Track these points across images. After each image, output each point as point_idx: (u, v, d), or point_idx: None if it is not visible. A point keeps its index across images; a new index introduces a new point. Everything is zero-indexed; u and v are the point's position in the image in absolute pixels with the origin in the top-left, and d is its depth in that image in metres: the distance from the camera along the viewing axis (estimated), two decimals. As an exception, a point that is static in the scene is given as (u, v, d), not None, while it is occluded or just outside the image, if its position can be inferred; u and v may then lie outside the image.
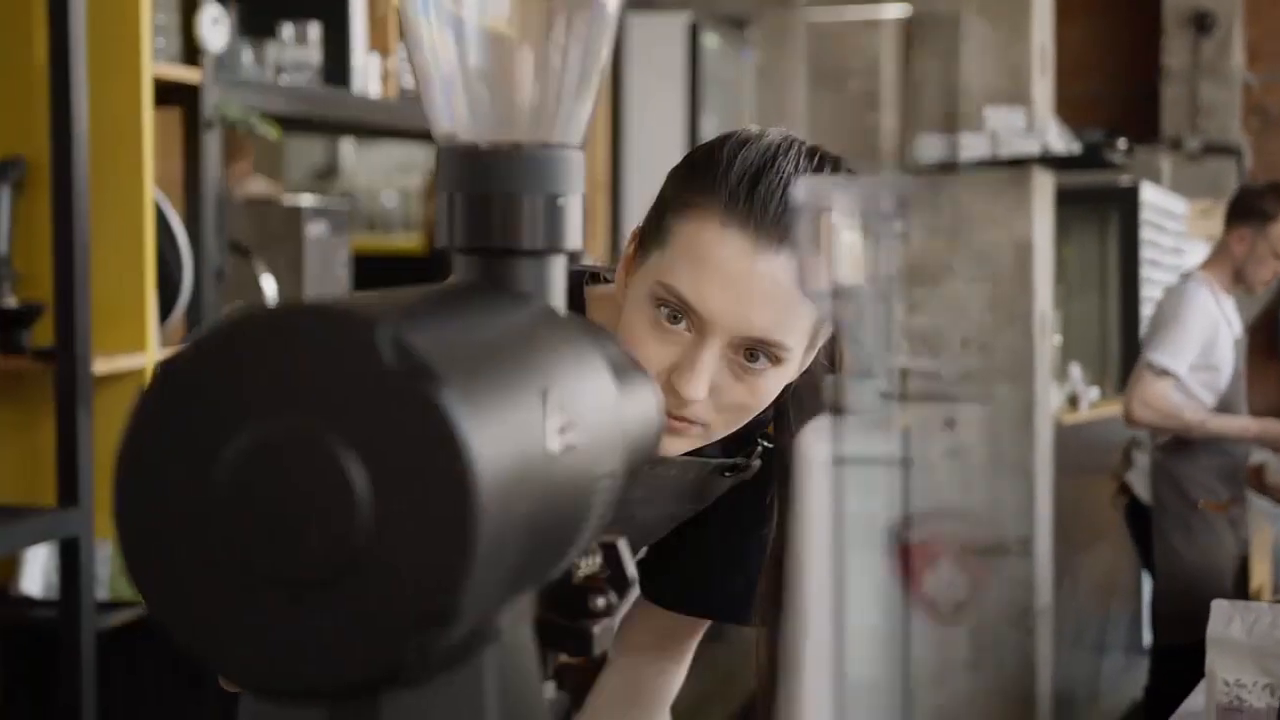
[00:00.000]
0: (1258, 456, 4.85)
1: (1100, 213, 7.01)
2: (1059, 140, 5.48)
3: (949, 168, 5.04)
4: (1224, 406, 4.44)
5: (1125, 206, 7.11)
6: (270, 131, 2.76)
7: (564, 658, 0.92)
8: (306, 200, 3.22)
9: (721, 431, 1.33)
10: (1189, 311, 4.35)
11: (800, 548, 0.72)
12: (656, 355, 1.29)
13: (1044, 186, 5.52)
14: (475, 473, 0.63)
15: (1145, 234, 7.14)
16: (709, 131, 5.72)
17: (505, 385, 0.69)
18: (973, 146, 5.17)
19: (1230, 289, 4.50)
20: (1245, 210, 4.44)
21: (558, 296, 0.85)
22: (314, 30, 3.10)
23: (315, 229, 3.11)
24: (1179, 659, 4.27)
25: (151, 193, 2.56)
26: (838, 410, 0.81)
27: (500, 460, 0.66)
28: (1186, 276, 4.65)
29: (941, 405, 0.72)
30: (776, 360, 1.29)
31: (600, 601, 0.89)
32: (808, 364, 1.37)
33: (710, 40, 5.40)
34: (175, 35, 2.70)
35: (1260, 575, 4.91)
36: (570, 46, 0.86)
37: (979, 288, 4.12)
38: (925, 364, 0.75)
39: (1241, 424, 4.54)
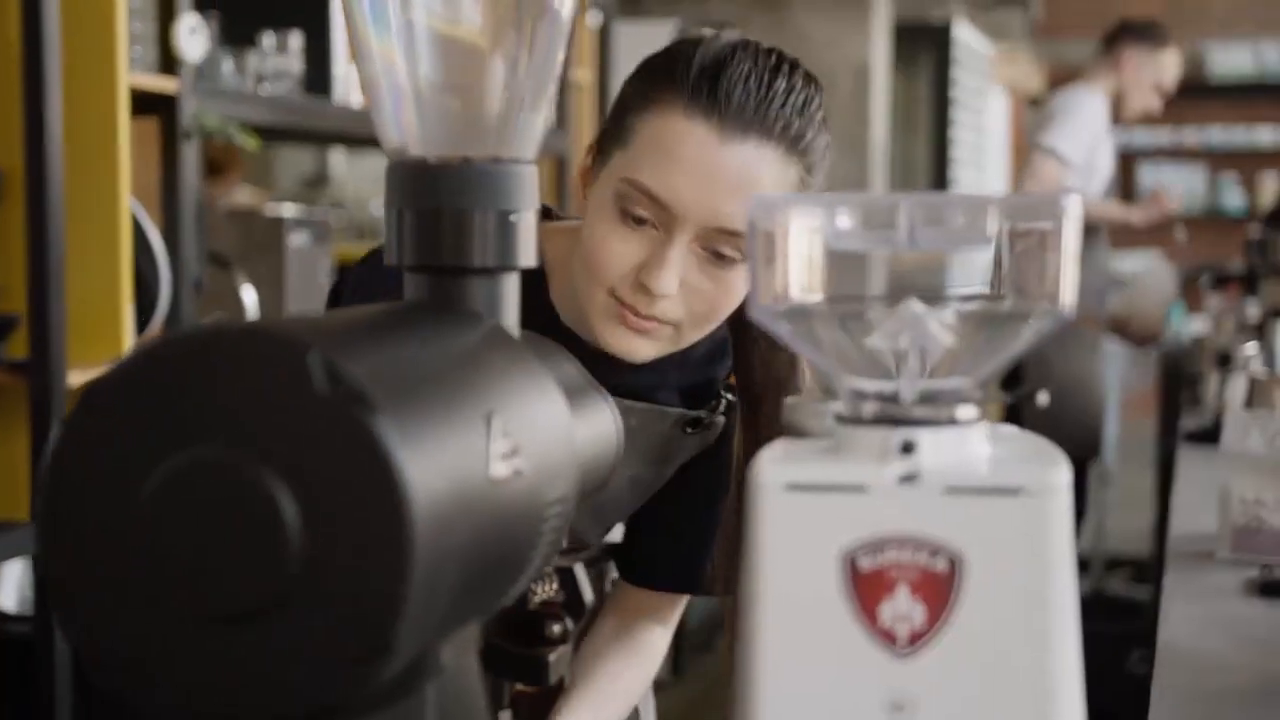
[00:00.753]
0: (1118, 302, 4.95)
1: (910, 48, 6.99)
2: None
3: None
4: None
5: (938, 44, 7.10)
6: (249, 142, 2.74)
7: (520, 686, 0.89)
8: (289, 210, 3.19)
9: (692, 335, 1.31)
10: (1081, 107, 4.49)
11: (753, 579, 0.70)
12: (623, 255, 1.27)
13: (883, 8, 5.54)
14: (410, 501, 0.61)
15: (955, 74, 7.16)
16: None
17: (446, 410, 0.67)
18: None
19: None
20: (1139, 35, 4.55)
21: (510, 315, 0.83)
22: (295, 39, 3.08)
23: (297, 239, 3.09)
24: None
25: (128, 203, 2.53)
26: (795, 432, 0.79)
27: (438, 488, 0.63)
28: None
29: (899, 429, 0.71)
30: (745, 255, 1.26)
31: (556, 628, 0.87)
32: None
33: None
34: (153, 44, 2.68)
35: None
36: (522, 57, 0.84)
37: None
38: (883, 385, 0.72)
39: (1126, 210, 4.83)
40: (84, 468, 0.63)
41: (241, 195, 4.37)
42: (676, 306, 1.28)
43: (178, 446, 0.62)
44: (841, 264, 0.74)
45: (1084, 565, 5.60)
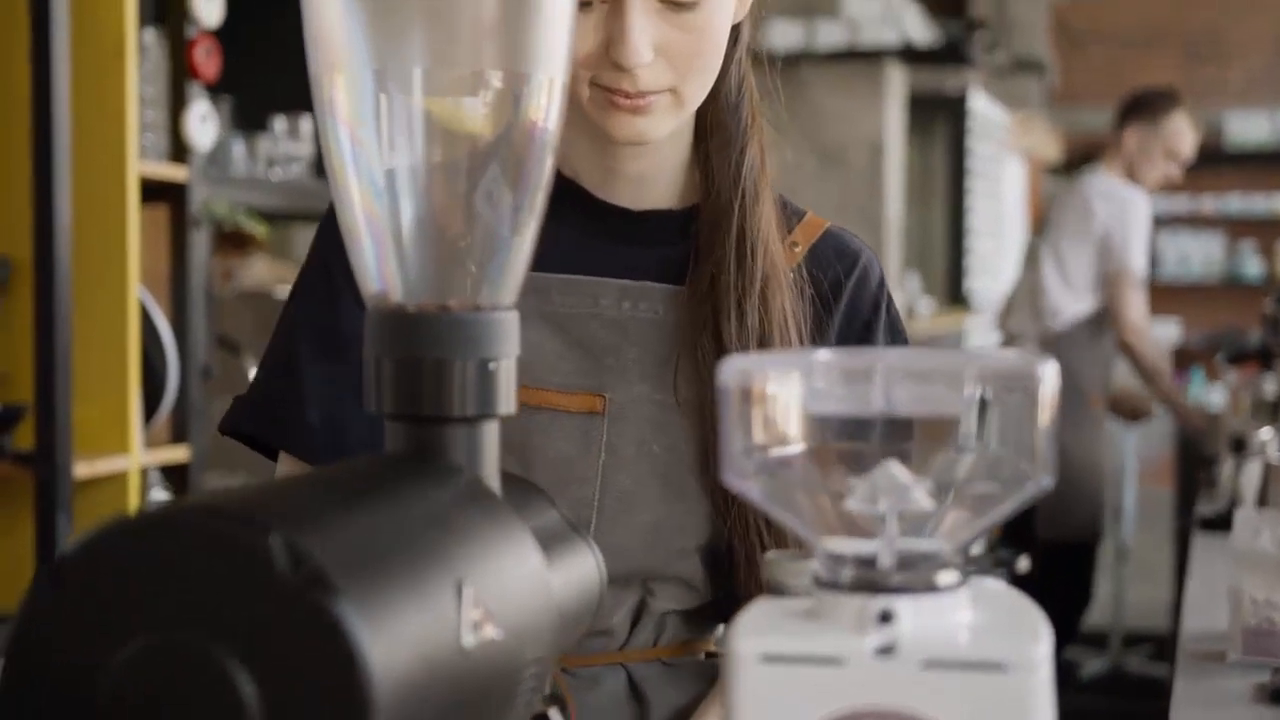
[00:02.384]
0: (1124, 379, 4.91)
1: (926, 118, 7.00)
2: (919, 29, 5.47)
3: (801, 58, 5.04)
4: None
5: (953, 114, 7.12)
6: (257, 229, 2.74)
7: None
8: (299, 293, 3.19)
9: (695, 94, 1.22)
10: (1140, 208, 4.48)
11: (725, 754, 0.69)
12: (582, 42, 1.18)
13: (898, 81, 5.54)
14: (372, 688, 0.60)
15: (970, 143, 7.17)
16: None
17: (414, 582, 0.66)
18: (829, 33, 5.20)
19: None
20: (1139, 108, 4.53)
21: (489, 464, 0.82)
22: (306, 123, 3.10)
23: (307, 322, 3.08)
24: (1058, 555, 4.33)
25: (136, 292, 2.54)
26: (774, 589, 0.78)
27: (403, 667, 0.62)
28: (1083, 176, 4.78)
29: (877, 597, 0.67)
30: None
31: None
32: None
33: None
34: (164, 132, 2.69)
35: None
36: (502, 205, 0.83)
37: (828, 188, 4.16)
38: (861, 547, 0.69)
39: (1176, 391, 4.81)
40: (47, 646, 0.63)
41: (260, 268, 4.39)
42: (661, 71, 1.19)
43: (140, 627, 0.61)
44: (817, 424, 0.73)
45: (1102, 641, 5.55)
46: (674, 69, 1.19)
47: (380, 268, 0.83)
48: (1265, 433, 3.20)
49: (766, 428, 0.72)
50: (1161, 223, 10.33)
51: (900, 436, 0.73)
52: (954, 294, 7.21)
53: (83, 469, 2.45)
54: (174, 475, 2.77)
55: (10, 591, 2.45)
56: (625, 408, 1.24)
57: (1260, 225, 10.23)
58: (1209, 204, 10.27)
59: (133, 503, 2.56)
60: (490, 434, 0.82)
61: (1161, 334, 10.27)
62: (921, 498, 0.71)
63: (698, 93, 1.22)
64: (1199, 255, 10.37)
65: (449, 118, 0.81)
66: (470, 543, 0.72)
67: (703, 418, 1.23)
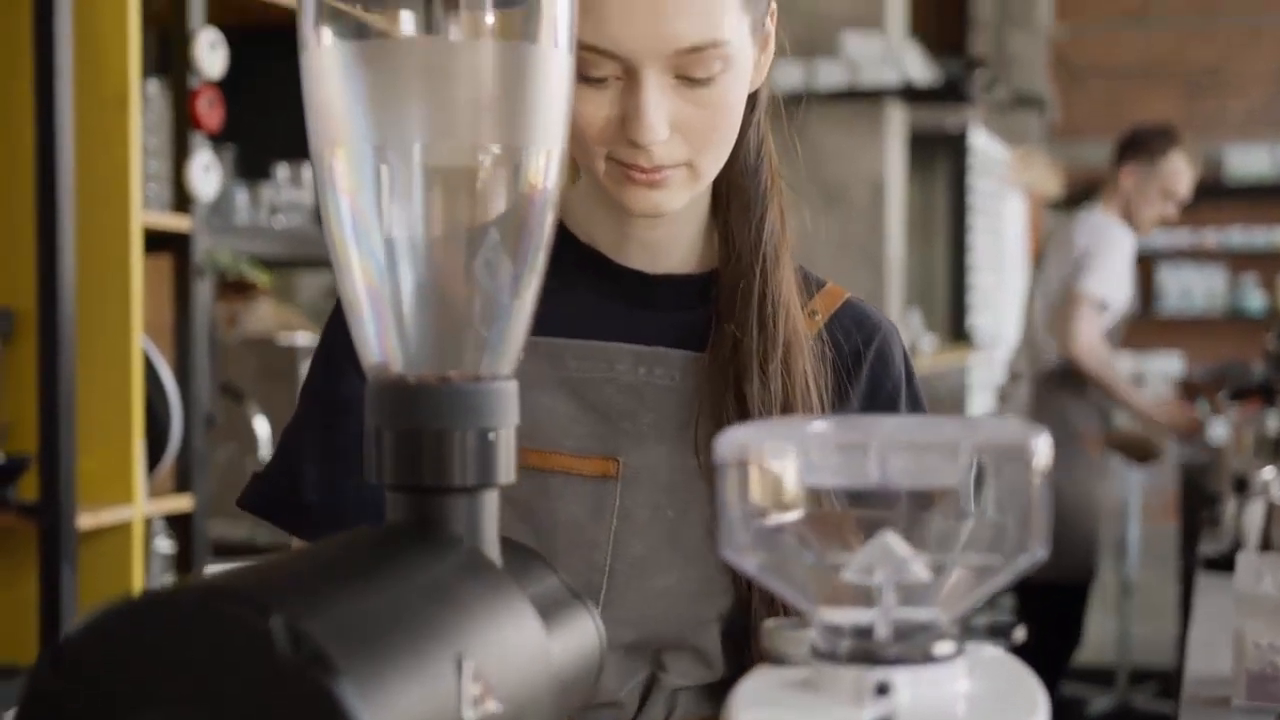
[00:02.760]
0: (1127, 420, 4.90)
1: (926, 156, 7.02)
2: (919, 69, 5.48)
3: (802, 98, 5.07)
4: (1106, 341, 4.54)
5: (953, 151, 7.15)
6: (260, 278, 2.75)
7: None
8: (302, 339, 3.21)
9: (711, 167, 1.21)
10: (1114, 245, 4.47)
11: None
12: (596, 113, 1.17)
13: (898, 121, 5.55)
14: (373, 768, 0.60)
15: (971, 180, 7.19)
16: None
17: (414, 659, 0.67)
18: (830, 73, 5.20)
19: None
20: (1136, 147, 4.51)
21: (489, 533, 0.82)
22: (308, 171, 3.11)
23: (311, 368, 3.10)
24: (1047, 596, 4.31)
25: (140, 343, 2.55)
26: (773, 658, 0.78)
27: (404, 745, 0.63)
28: (1083, 211, 4.75)
29: (874, 669, 0.67)
30: (724, 60, 1.16)
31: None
32: (767, 37, 1.25)
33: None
34: (166, 183, 2.71)
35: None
36: (501, 275, 0.84)
37: (830, 227, 4.18)
38: (858, 617, 0.69)
39: (1151, 404, 4.74)
40: (48, 726, 0.63)
41: (265, 310, 4.40)
42: (677, 146, 1.18)
43: (142, 708, 0.62)
44: (814, 496, 0.74)
45: (1109, 678, 5.54)
46: (689, 144, 1.18)
47: (380, 339, 0.83)
48: (1268, 472, 3.20)
49: (763, 500, 0.73)
50: (1163, 256, 10.35)
51: (896, 507, 0.73)
52: (956, 330, 7.22)
53: (86, 520, 2.45)
54: (178, 524, 2.77)
55: (14, 644, 2.45)
56: (640, 472, 1.24)
57: (1262, 258, 10.24)
58: (1211, 237, 10.29)
59: (137, 553, 2.56)
60: (490, 503, 0.83)
61: (1164, 367, 10.29)
62: (918, 569, 0.72)
63: (713, 165, 1.21)
64: (1201, 289, 10.38)
65: (448, 190, 0.82)
66: (470, 616, 0.73)
67: None
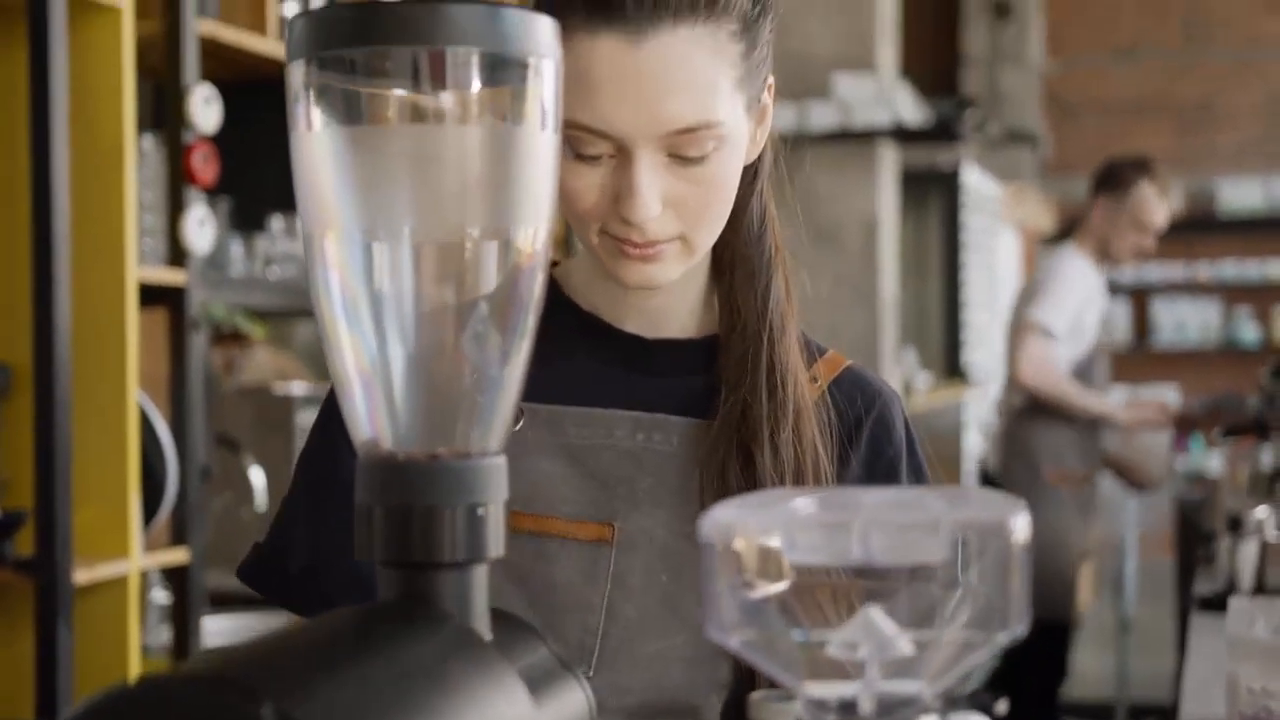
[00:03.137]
0: (1112, 440, 4.85)
1: (919, 194, 7.04)
2: (910, 109, 5.50)
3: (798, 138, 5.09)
4: (1079, 376, 4.48)
5: (947, 189, 7.17)
6: (255, 330, 2.77)
7: None
8: (298, 389, 3.22)
9: (705, 241, 1.21)
10: (1068, 273, 4.44)
11: None
12: (589, 188, 1.17)
13: (890, 161, 5.57)
14: None
15: (964, 217, 7.21)
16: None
17: (405, 741, 0.68)
18: (822, 115, 5.23)
19: (1100, 262, 4.57)
20: (1106, 180, 4.52)
21: (479, 607, 0.83)
22: (303, 222, 3.13)
23: (307, 417, 3.11)
24: (1032, 632, 4.27)
25: (136, 398, 2.56)
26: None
27: (395, 829, 0.64)
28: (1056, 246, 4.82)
29: None
30: (718, 139, 1.17)
31: None
32: (764, 110, 1.25)
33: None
34: (162, 237, 2.72)
35: (1085, 588, 4.89)
36: (489, 351, 0.85)
37: (823, 267, 4.19)
38: (843, 690, 0.68)
39: (1113, 406, 4.63)
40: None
41: (262, 357, 4.41)
42: (669, 222, 1.18)
43: (135, 796, 0.63)
44: (798, 573, 0.75)
45: (1108, 714, 5.54)
46: (682, 219, 1.19)
47: (370, 416, 0.84)
48: (1261, 511, 3.20)
49: (748, 578, 0.74)
50: (1158, 290, 10.38)
51: (880, 583, 0.74)
52: (951, 367, 7.24)
53: (82, 574, 2.46)
54: (174, 576, 2.77)
55: (11, 700, 2.45)
56: (635, 537, 1.24)
57: (1256, 291, 10.27)
58: (1204, 271, 10.32)
59: (133, 607, 2.56)
60: (480, 577, 0.84)
61: (1159, 400, 10.28)
62: (902, 644, 0.73)
63: (707, 239, 1.22)
64: (1195, 322, 10.40)
65: (437, 270, 0.83)
66: (458, 695, 0.74)
67: None
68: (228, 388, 3.36)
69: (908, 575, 0.75)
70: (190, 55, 2.74)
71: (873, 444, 1.31)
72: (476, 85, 0.81)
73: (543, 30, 0.83)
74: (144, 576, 2.66)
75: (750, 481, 1.23)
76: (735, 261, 1.29)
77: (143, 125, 2.78)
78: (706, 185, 1.17)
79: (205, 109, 2.73)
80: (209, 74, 2.85)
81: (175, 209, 2.72)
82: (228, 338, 3.78)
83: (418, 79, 0.82)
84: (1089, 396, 4.49)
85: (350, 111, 0.82)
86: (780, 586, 0.74)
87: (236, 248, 3.00)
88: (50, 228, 2.43)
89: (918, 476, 1.31)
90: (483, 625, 0.83)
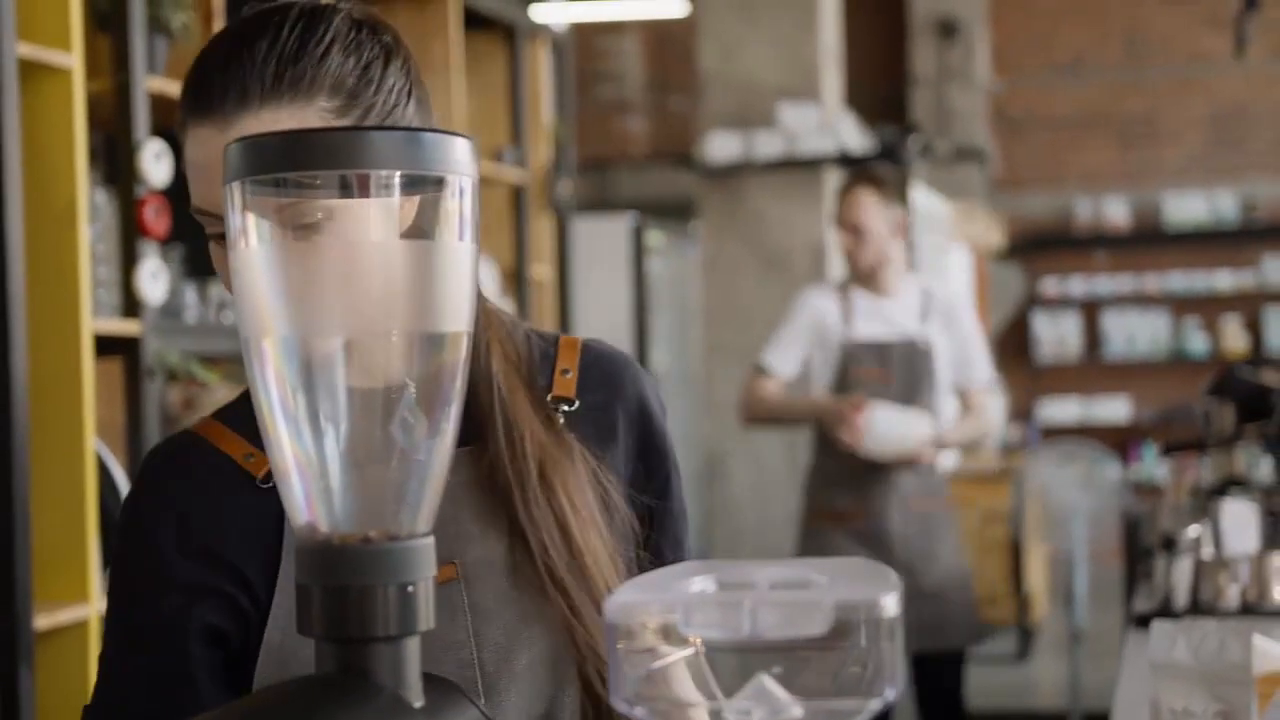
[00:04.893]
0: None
1: None
2: (854, 137, 5.55)
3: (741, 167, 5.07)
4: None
5: None
6: (209, 377, 2.83)
7: None
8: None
9: None
10: (794, 311, 4.21)
11: None
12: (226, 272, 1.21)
13: (836, 186, 5.64)
14: None
15: (913, 236, 7.30)
16: (657, 325, 5.87)
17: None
18: (767, 144, 5.25)
19: (859, 284, 4.23)
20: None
21: (412, 675, 0.91)
22: (255, 266, 3.19)
23: (261, 457, 3.16)
24: (920, 665, 4.27)
25: (93, 445, 2.62)
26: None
27: None
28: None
29: None
30: (326, 210, 1.13)
31: None
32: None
33: (654, 239, 5.54)
34: (116, 288, 2.78)
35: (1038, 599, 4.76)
36: (415, 443, 0.93)
37: (771, 293, 4.22)
38: None
39: (806, 401, 4.26)
40: None
41: (221, 395, 4.46)
42: None
43: None
44: (694, 648, 0.82)
45: (1061, 725, 5.64)
46: None
47: (307, 502, 0.92)
48: (1194, 529, 3.27)
49: (649, 654, 0.81)
50: (1107, 302, 10.52)
51: (770, 654, 0.82)
52: (903, 385, 7.32)
53: (42, 620, 2.51)
54: (134, 618, 2.83)
55: (-25, 745, 2.50)
56: (479, 568, 1.28)
57: (1203, 302, 10.43)
58: (1152, 283, 10.47)
59: (93, 650, 2.62)
60: (412, 649, 0.91)
61: (1111, 411, 10.45)
62: (793, 710, 0.81)
63: None
64: (1145, 333, 10.55)
65: (366, 369, 0.91)
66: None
67: (542, 545, 1.29)
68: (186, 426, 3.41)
69: (795, 646, 0.83)
70: (140, 112, 2.81)
71: (639, 417, 1.38)
72: (398, 202, 0.89)
73: (459, 150, 0.90)
74: (102, 620, 2.72)
75: (524, 538, 1.28)
76: None
77: (95, 180, 2.85)
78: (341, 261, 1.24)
79: (156, 164, 2.79)
80: (158, 124, 2.91)
81: (128, 261, 2.78)
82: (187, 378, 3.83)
83: (345, 199, 0.90)
84: (785, 397, 4.23)
85: (282, 229, 0.90)
86: (679, 658, 0.82)
87: (190, 295, 3.07)
88: (6, 282, 2.48)
89: (662, 457, 1.38)
90: (414, 693, 0.90)
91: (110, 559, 1.32)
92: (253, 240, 0.90)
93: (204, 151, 1.22)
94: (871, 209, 4.08)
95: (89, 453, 2.60)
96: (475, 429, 1.30)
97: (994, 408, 4.30)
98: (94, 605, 2.64)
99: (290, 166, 0.89)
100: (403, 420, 0.93)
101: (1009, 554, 7.22)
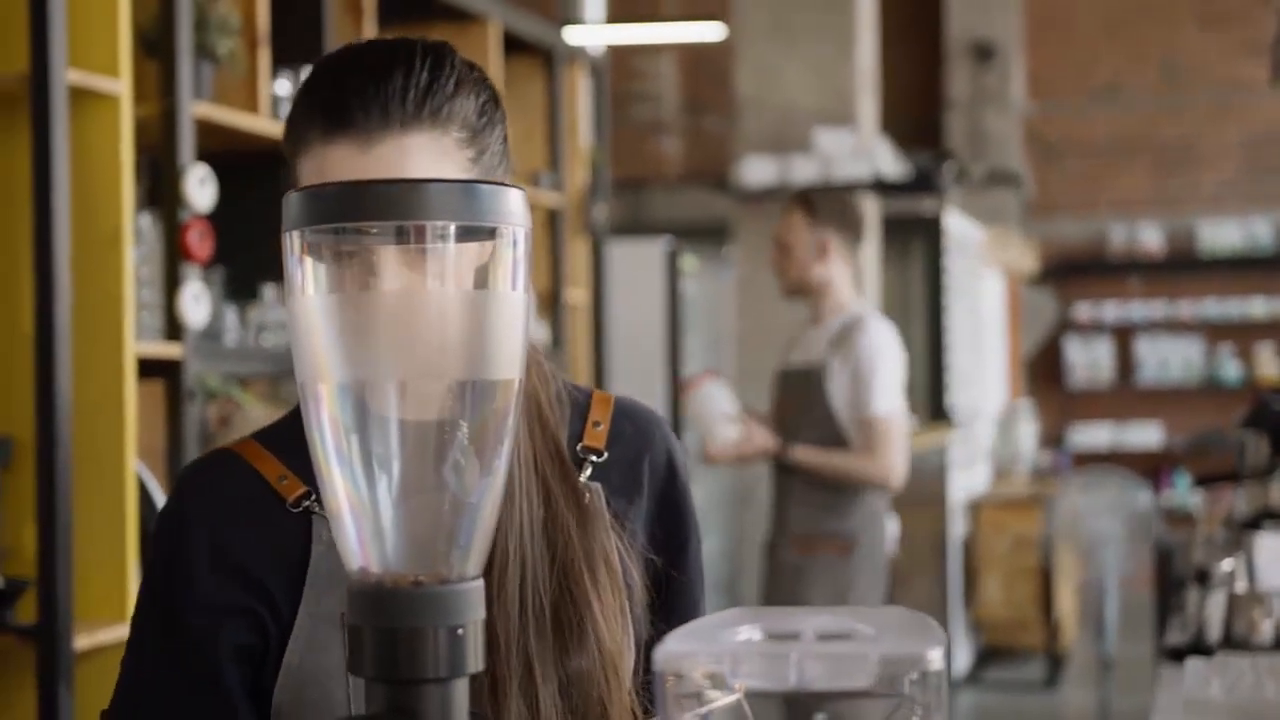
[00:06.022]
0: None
1: (902, 240, 7.10)
2: (889, 162, 5.54)
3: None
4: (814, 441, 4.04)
5: (929, 235, 7.24)
6: (247, 400, 2.86)
7: None
8: (289, 450, 3.30)
9: None
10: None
11: None
12: None
13: (872, 212, 5.65)
14: None
15: (946, 261, 7.29)
16: (690, 349, 5.88)
17: None
18: (803, 168, 5.24)
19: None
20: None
21: (459, 718, 0.92)
22: (295, 289, 3.22)
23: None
24: None
25: (134, 468, 2.65)
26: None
27: None
28: None
29: None
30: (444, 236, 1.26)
31: None
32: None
33: (689, 263, 5.55)
34: (159, 311, 2.81)
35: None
36: (467, 487, 0.94)
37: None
38: None
39: (741, 439, 4.07)
40: None
41: (257, 412, 4.49)
42: None
43: None
44: (743, 696, 0.83)
45: (1092, 756, 5.62)
46: None
47: (360, 546, 0.94)
48: (1228, 563, 3.26)
49: (699, 701, 0.83)
50: (1141, 328, 10.49)
51: (817, 704, 0.83)
52: (936, 410, 7.33)
53: (83, 640, 2.54)
54: (171, 638, 2.86)
55: (14, 765, 2.53)
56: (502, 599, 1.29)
57: (1237, 329, 10.38)
58: (1186, 309, 10.43)
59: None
60: (460, 691, 0.93)
61: (1143, 437, 10.41)
62: None
63: None
64: (1178, 359, 10.51)
65: (421, 417, 0.92)
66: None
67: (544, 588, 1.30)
68: (221, 443, 3.44)
69: (840, 697, 0.84)
70: (186, 137, 2.84)
71: (666, 474, 1.40)
72: (453, 253, 0.91)
73: (513, 201, 0.92)
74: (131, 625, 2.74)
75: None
76: None
77: (140, 204, 2.88)
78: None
79: (200, 189, 2.82)
80: (202, 148, 2.95)
81: (171, 284, 2.81)
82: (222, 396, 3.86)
83: (401, 249, 0.92)
84: (726, 443, 4.06)
85: (340, 278, 0.92)
86: (725, 708, 0.84)
87: (231, 317, 3.09)
88: (52, 305, 2.51)
89: (682, 515, 1.40)
90: (463, 735, 0.92)
91: (143, 569, 1.33)
92: (309, 289, 0.92)
93: (341, 169, 1.23)
94: (796, 228, 4.07)
95: (130, 475, 2.63)
96: None
97: (888, 449, 4.01)
98: (133, 625, 2.66)
99: (349, 217, 0.91)
100: (455, 463, 0.95)
101: (1039, 580, 7.21)
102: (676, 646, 0.83)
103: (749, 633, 0.85)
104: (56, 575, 2.49)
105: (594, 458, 1.36)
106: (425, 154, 1.24)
